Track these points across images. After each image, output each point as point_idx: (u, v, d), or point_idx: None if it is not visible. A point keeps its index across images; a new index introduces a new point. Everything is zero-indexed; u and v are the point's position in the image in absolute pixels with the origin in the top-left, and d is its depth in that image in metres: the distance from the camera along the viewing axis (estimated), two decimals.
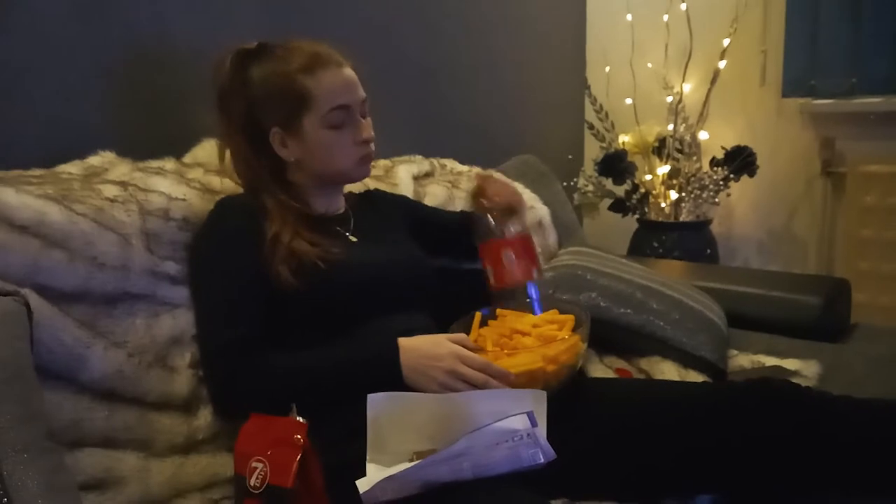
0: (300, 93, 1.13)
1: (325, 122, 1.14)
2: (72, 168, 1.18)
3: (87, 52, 1.29)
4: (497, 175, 1.27)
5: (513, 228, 1.21)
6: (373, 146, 1.20)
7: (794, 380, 1.26)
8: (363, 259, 1.16)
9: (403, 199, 1.45)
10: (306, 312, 1.09)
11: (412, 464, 0.83)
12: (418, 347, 1.02)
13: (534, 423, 0.82)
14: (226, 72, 1.17)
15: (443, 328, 1.13)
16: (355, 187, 1.37)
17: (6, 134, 1.19)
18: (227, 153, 1.22)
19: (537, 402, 0.90)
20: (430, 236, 1.35)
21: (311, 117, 1.14)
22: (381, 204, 1.36)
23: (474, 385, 0.98)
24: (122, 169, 1.20)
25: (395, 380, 1.00)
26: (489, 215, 1.22)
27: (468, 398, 0.93)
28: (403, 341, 1.03)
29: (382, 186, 1.52)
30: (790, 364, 1.48)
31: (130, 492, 1.00)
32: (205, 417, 1.10)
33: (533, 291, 1.19)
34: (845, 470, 1.02)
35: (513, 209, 1.23)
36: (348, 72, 1.17)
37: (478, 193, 1.26)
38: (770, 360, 1.51)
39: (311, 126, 1.14)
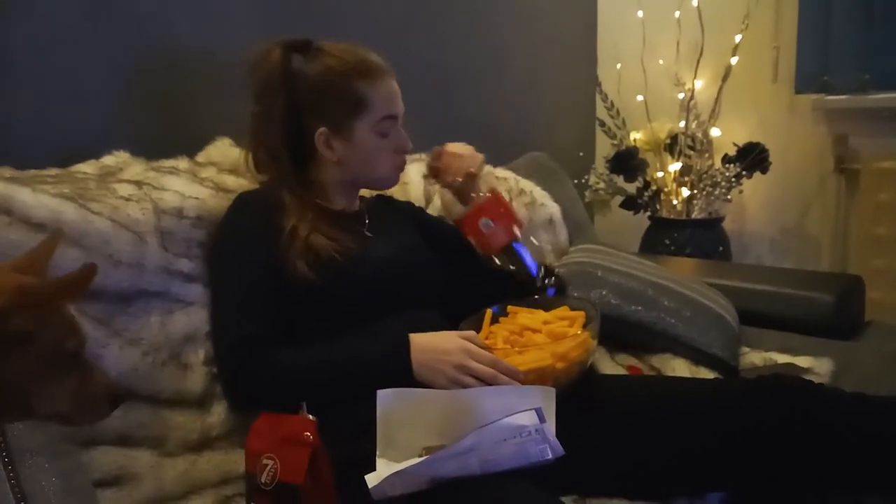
0: (358, 97, 1.15)
1: (376, 129, 1.17)
2: (87, 168, 1.20)
3: (101, 54, 1.30)
4: (451, 147, 1.26)
5: (480, 194, 1.20)
6: (406, 156, 1.23)
7: (807, 377, 1.25)
8: (379, 254, 1.17)
9: (416, 207, 1.46)
10: (322, 306, 1.10)
11: (421, 459, 0.84)
12: (428, 343, 1.03)
13: (542, 420, 0.83)
14: (273, 63, 1.17)
15: (454, 325, 1.14)
16: (368, 191, 1.38)
17: (22, 134, 1.21)
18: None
19: (546, 398, 0.90)
20: (445, 253, 1.32)
21: (364, 122, 1.16)
22: (395, 207, 1.38)
23: (482, 380, 0.99)
24: (136, 168, 1.22)
25: (404, 375, 1.01)
26: (450, 191, 1.22)
27: (477, 394, 0.93)
28: (414, 337, 1.04)
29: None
30: (803, 361, 1.47)
31: (145, 488, 1.01)
32: (218, 414, 1.11)
33: (520, 249, 1.18)
34: (856, 467, 1.02)
35: (472, 176, 1.22)
36: (396, 84, 1.20)
37: (432, 174, 1.26)
38: (782, 358, 1.51)
39: (363, 131, 1.17)
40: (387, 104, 1.17)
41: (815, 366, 1.45)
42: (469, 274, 1.29)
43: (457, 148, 1.25)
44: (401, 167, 1.24)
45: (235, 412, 1.11)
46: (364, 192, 1.34)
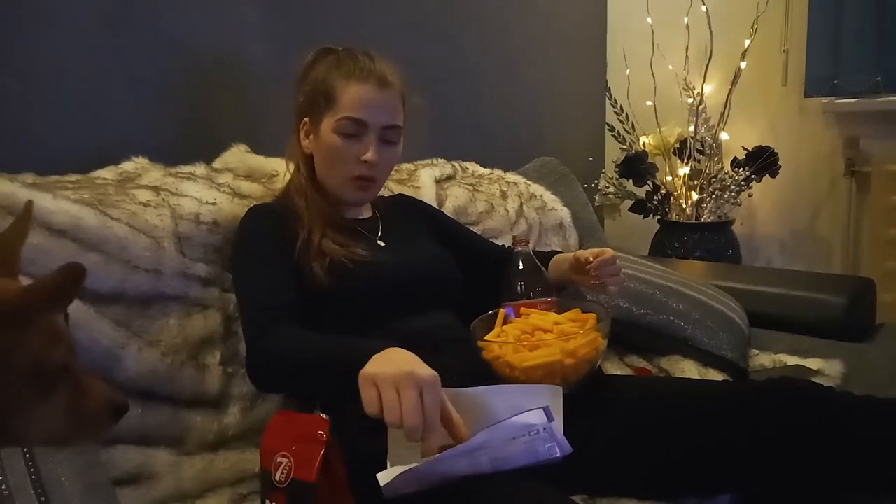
0: (328, 92, 1.19)
1: (335, 127, 1.18)
2: (106, 173, 1.23)
3: (120, 62, 1.33)
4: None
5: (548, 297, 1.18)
6: (374, 172, 1.19)
7: (817, 379, 1.25)
8: (389, 260, 1.18)
9: (438, 212, 1.46)
10: (335, 312, 1.11)
11: (432, 457, 0.85)
12: (399, 355, 0.89)
13: (550, 418, 0.84)
14: (304, 64, 1.24)
15: (468, 327, 1.15)
16: (386, 191, 1.39)
17: (44, 141, 1.24)
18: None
19: (553, 397, 0.91)
20: (461, 259, 1.31)
21: (328, 118, 1.19)
22: (411, 209, 1.39)
23: (404, 405, 0.82)
24: (154, 174, 1.24)
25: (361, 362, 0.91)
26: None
27: (484, 393, 0.94)
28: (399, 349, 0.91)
29: (405, 190, 1.54)
30: (813, 363, 1.47)
31: (163, 487, 1.03)
32: (234, 415, 1.14)
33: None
34: (866, 470, 1.02)
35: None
36: (385, 94, 1.18)
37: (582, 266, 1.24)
38: (792, 360, 1.50)
39: (326, 126, 1.19)
40: (353, 106, 1.16)
41: (826, 368, 1.45)
42: (481, 277, 1.30)
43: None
44: (361, 180, 1.19)
45: (251, 413, 1.13)
46: (383, 191, 1.35)
